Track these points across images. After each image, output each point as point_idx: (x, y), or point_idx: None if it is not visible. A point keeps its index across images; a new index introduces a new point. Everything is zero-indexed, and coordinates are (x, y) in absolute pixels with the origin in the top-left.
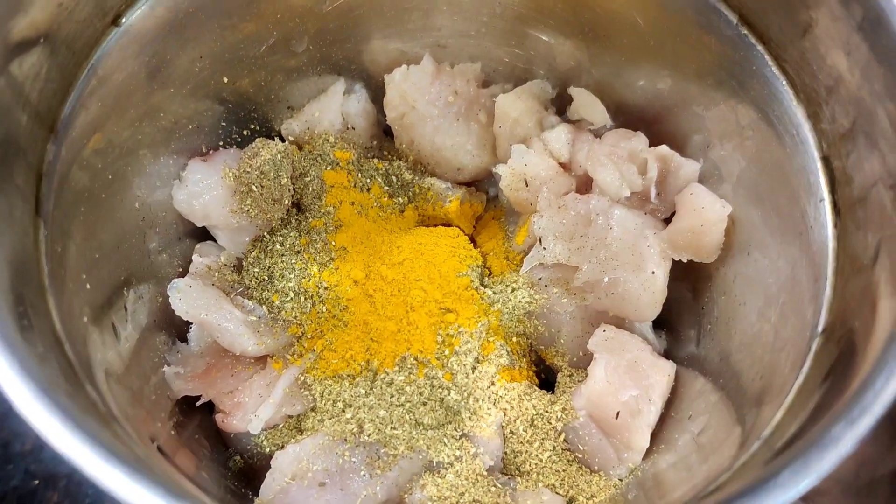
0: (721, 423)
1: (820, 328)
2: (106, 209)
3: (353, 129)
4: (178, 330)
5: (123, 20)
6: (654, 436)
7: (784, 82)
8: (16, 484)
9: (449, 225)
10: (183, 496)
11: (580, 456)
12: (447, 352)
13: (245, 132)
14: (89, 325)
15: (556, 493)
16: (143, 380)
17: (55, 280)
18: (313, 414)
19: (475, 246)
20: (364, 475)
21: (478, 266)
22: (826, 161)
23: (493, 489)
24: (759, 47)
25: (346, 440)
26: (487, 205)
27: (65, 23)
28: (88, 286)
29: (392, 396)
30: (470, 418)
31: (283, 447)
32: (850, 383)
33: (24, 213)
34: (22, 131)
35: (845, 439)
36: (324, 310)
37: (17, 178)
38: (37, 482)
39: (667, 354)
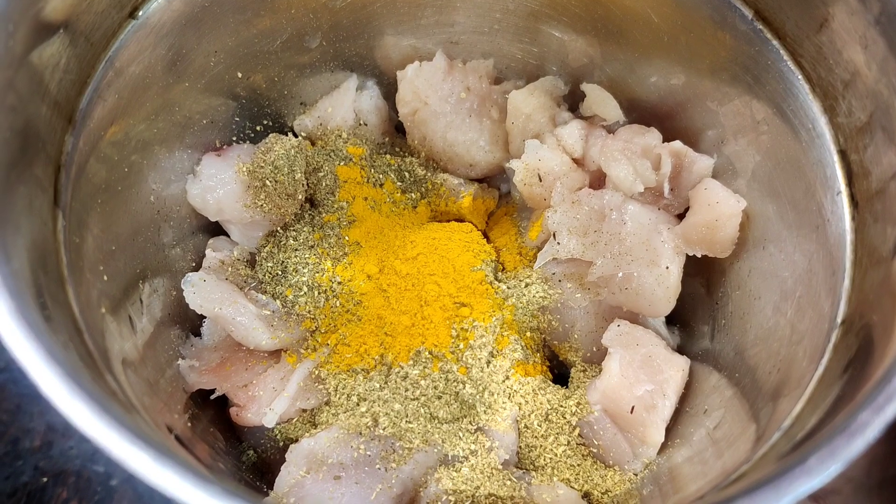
0: (737, 418)
1: (839, 320)
2: (122, 202)
3: (366, 125)
4: (192, 324)
5: (140, 13)
6: (669, 430)
7: (800, 77)
8: (25, 480)
9: (461, 221)
10: (210, 480)
11: (595, 450)
12: (461, 346)
13: (258, 127)
14: (107, 316)
15: (571, 487)
16: (159, 372)
17: (74, 270)
18: (327, 408)
19: (488, 241)
20: (379, 468)
21: (492, 261)
22: (843, 154)
23: (508, 483)
24: (775, 42)
25: (360, 434)
26: (500, 201)
27: (84, 14)
28: (105, 277)
29: (407, 390)
30: (485, 412)
31: (297, 441)
32: (873, 373)
33: (43, 204)
34: (42, 122)
35: (873, 425)
36: (337, 304)
37: (37, 168)
38: (46, 479)
39: (680, 350)
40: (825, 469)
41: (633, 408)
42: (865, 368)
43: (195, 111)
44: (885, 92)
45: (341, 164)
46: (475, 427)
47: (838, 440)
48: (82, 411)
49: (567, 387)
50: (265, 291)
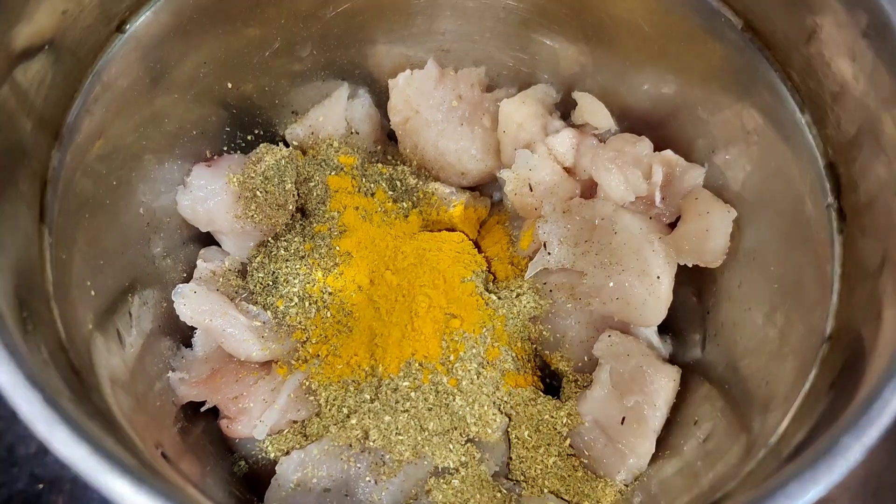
0: (727, 429)
1: (826, 334)
2: (110, 215)
3: (357, 133)
4: (183, 335)
5: (128, 27)
6: (660, 441)
7: (789, 88)
8: (21, 487)
9: (453, 230)
10: None
11: (585, 461)
12: (452, 357)
13: (249, 137)
14: (94, 332)
15: (562, 498)
16: (148, 386)
17: (59, 288)
18: (318, 419)
19: (479, 251)
20: (369, 481)
21: (482, 271)
22: (832, 167)
23: (498, 495)
24: (764, 53)
25: (351, 446)
26: (492, 209)
27: (69, 30)
28: (93, 293)
29: (397, 402)
30: (475, 424)
31: (287, 453)
32: (858, 392)
33: (28, 221)
34: (27, 138)
35: (853, 449)
36: (328, 315)
37: (22, 185)
38: (41, 486)
39: (672, 359)
40: (806, 493)
41: (623, 419)
42: (852, 386)
43: (185, 122)
44: (873, 105)
45: (332, 173)
46: (465, 438)
47: (820, 464)
48: (62, 438)
49: (558, 397)
50: (256, 302)
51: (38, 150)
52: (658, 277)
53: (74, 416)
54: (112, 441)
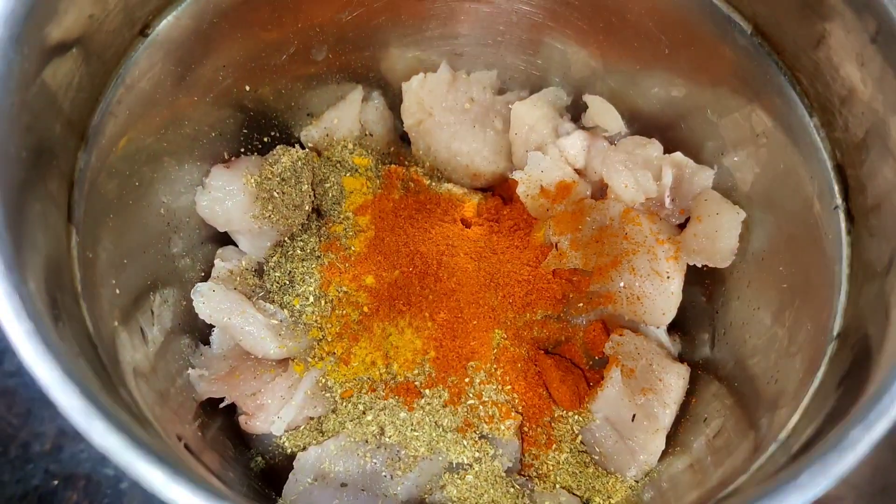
0: (736, 427)
1: (835, 333)
2: (133, 215)
3: (371, 135)
4: (202, 333)
5: (151, 31)
6: (670, 438)
7: (798, 91)
8: (36, 483)
9: (466, 229)
10: (222, 496)
11: (597, 458)
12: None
13: (266, 139)
14: (119, 329)
15: (573, 494)
16: (170, 382)
17: (87, 285)
18: (334, 416)
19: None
20: (385, 476)
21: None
22: (840, 169)
23: (511, 490)
24: (773, 57)
25: (367, 442)
26: (503, 210)
27: (96, 34)
28: (117, 291)
29: (412, 399)
30: (488, 420)
31: (304, 448)
32: (866, 388)
33: (57, 220)
34: (55, 139)
35: (863, 442)
36: (343, 314)
37: (51, 185)
38: (56, 482)
39: (681, 358)
40: (817, 485)
41: (634, 416)
42: (860, 383)
43: (204, 124)
44: (881, 109)
45: (347, 174)
46: (479, 435)
47: (830, 456)
48: (100, 429)
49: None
50: (273, 301)
51: (65, 151)
52: (668, 277)
53: (110, 409)
54: (145, 433)
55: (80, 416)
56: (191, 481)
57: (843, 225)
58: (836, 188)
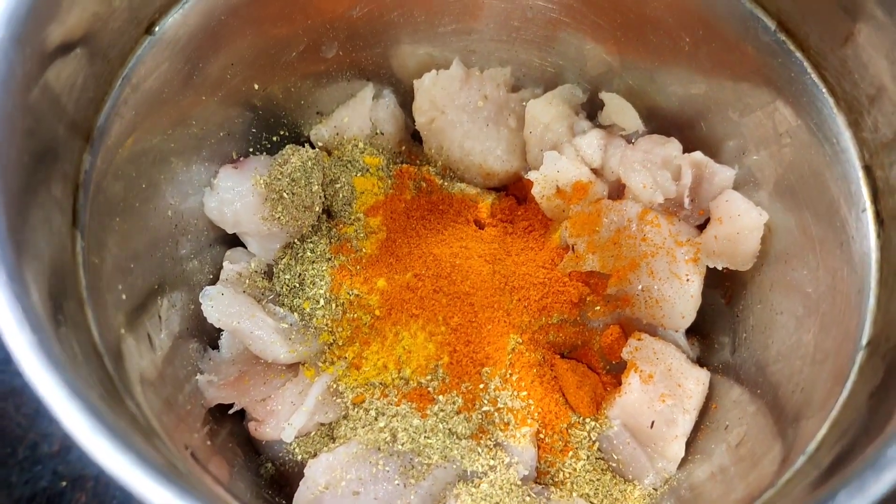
0: (760, 436)
1: (864, 341)
2: (140, 217)
3: (382, 134)
4: (210, 337)
5: (157, 29)
6: (690, 445)
7: (824, 90)
8: (44, 485)
9: (479, 230)
10: None
11: (614, 465)
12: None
13: (275, 138)
14: (125, 335)
15: (591, 502)
16: (177, 388)
17: (92, 291)
18: (346, 422)
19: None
20: (398, 484)
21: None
22: (868, 170)
23: (527, 499)
24: (798, 54)
25: (379, 449)
26: (518, 210)
27: (100, 32)
28: (124, 296)
29: (425, 405)
30: (503, 427)
31: (315, 455)
32: None
33: (62, 225)
34: (59, 141)
35: None
36: (355, 317)
37: (55, 189)
38: (64, 483)
39: (699, 362)
40: None
41: (652, 422)
42: (893, 396)
43: (212, 124)
44: None
45: (358, 174)
46: (494, 442)
47: (867, 476)
48: (103, 447)
49: None
50: (283, 304)
51: (69, 153)
52: (687, 280)
53: (111, 421)
54: (148, 445)
55: (83, 436)
56: (193, 496)
57: (871, 228)
58: (864, 190)
